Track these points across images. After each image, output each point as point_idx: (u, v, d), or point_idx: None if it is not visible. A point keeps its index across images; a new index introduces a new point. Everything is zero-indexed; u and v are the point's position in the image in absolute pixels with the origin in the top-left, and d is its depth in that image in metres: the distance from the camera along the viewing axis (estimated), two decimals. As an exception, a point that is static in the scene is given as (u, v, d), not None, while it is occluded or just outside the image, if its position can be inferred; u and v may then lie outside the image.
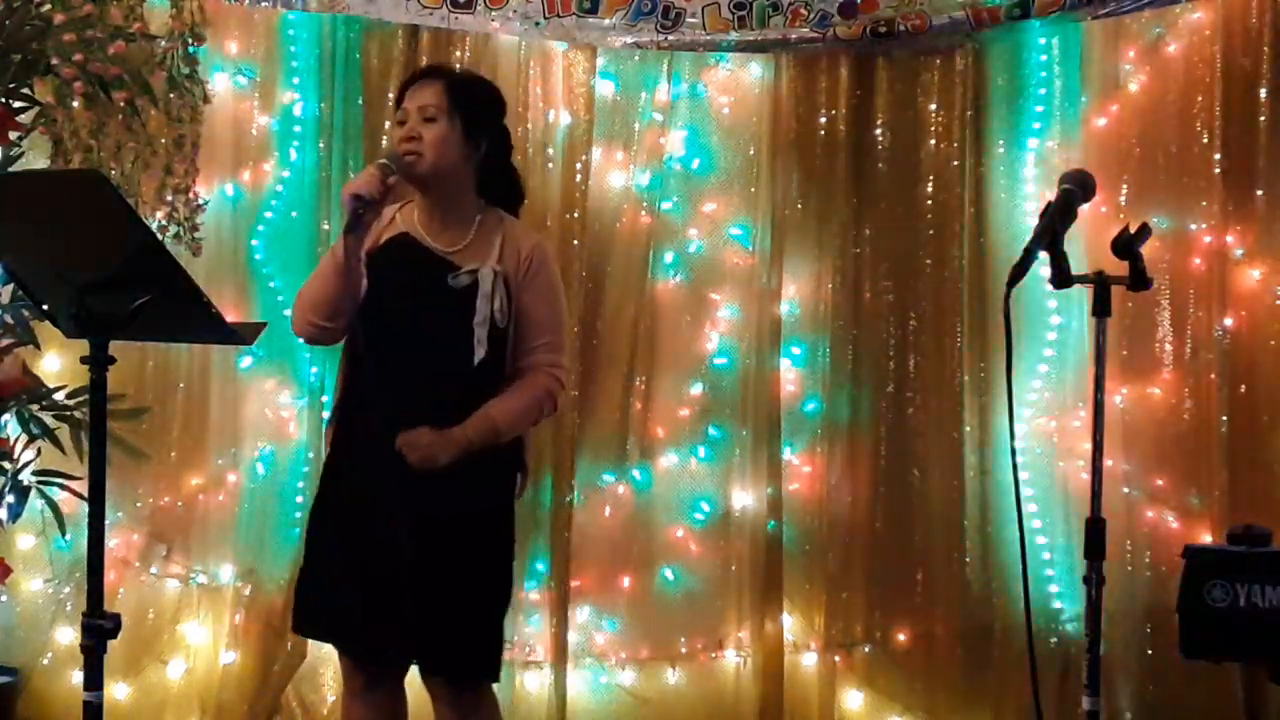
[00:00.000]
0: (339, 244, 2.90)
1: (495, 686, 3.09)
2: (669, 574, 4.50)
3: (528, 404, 3.00)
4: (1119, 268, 2.79)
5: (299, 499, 4.35)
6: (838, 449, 4.48)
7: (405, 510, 2.82)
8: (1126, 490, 4.28)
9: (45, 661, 4.28)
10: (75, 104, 3.61)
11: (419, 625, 2.84)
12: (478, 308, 2.93)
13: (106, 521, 2.46)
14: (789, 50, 4.45)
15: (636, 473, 4.50)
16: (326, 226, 4.36)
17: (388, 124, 4.39)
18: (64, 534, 3.99)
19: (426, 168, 2.95)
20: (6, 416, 3.86)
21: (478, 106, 3.05)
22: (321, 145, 4.39)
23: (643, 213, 4.50)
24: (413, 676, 3.09)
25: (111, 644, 2.45)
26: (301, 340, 3.12)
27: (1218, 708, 4.15)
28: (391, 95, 4.35)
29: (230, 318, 2.64)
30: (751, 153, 4.53)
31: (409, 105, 3.01)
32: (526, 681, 4.37)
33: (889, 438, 4.48)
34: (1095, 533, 2.77)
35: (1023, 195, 4.42)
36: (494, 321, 2.95)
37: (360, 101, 4.43)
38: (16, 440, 3.86)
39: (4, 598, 4.30)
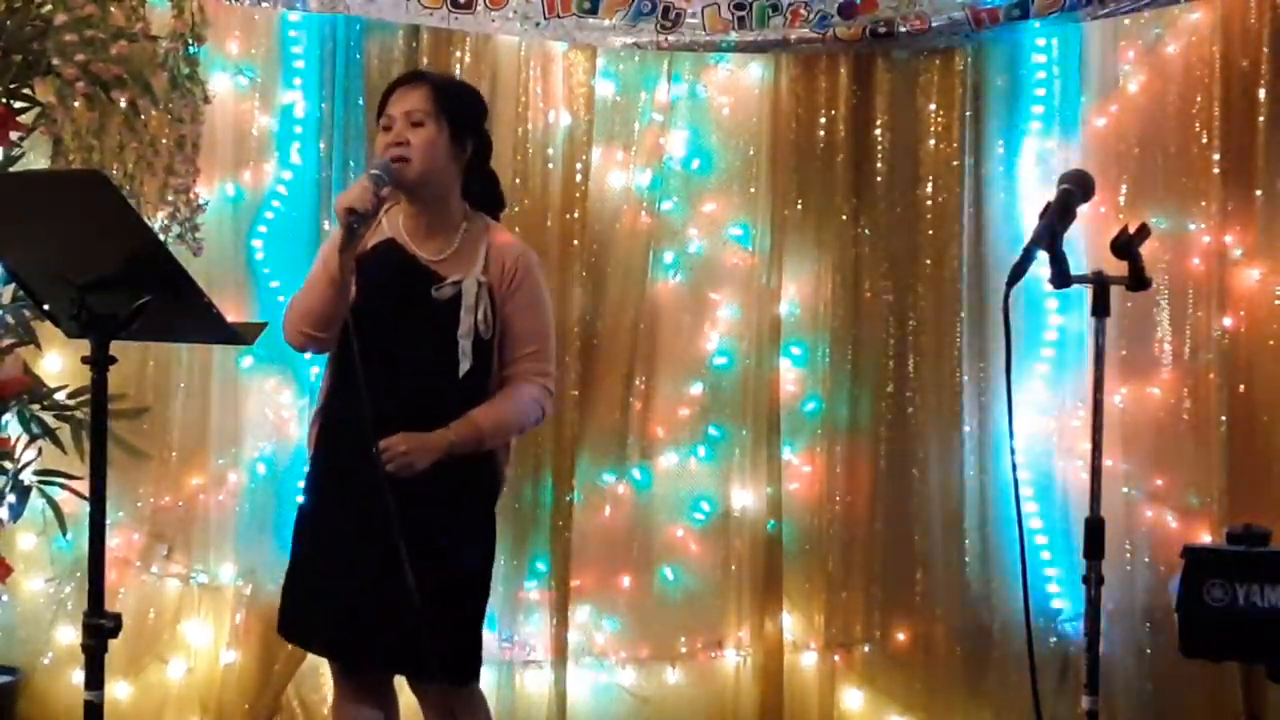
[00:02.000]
0: (330, 253, 2.86)
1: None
2: (669, 573, 4.51)
3: (513, 410, 2.99)
4: (1118, 268, 2.79)
5: (299, 499, 4.35)
6: (838, 449, 4.48)
7: (388, 519, 2.78)
8: (1126, 490, 4.28)
9: (46, 661, 4.29)
10: (76, 104, 3.61)
11: (404, 635, 2.81)
12: (461, 320, 2.91)
13: (107, 521, 2.46)
14: (789, 51, 4.45)
15: (636, 472, 4.50)
16: (327, 226, 4.36)
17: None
18: (65, 533, 3.99)
19: (415, 174, 2.92)
20: (7, 416, 3.86)
21: (463, 109, 3.03)
22: (322, 145, 4.40)
23: (643, 213, 4.50)
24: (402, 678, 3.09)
25: (112, 643, 2.44)
26: (294, 349, 3.12)
27: (1217, 708, 4.16)
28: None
29: (230, 318, 2.63)
30: (751, 153, 4.53)
31: (393, 110, 2.97)
32: (527, 681, 4.37)
33: (889, 438, 4.48)
34: (1095, 533, 2.77)
35: (1022, 195, 4.42)
36: (478, 333, 2.93)
37: (360, 101, 4.42)
38: (17, 440, 3.86)
39: (5, 597, 4.30)
